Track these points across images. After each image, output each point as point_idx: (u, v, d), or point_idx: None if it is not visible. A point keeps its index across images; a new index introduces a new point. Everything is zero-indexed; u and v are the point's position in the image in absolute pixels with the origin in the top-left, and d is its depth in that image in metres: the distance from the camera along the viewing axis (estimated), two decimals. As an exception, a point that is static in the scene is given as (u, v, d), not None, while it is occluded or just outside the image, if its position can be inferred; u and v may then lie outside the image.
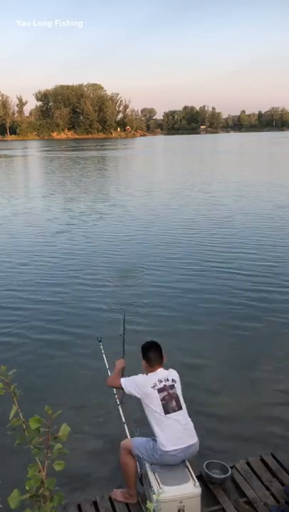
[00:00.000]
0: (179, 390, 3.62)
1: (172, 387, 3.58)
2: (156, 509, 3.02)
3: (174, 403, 3.52)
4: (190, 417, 3.58)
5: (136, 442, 3.70)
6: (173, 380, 3.64)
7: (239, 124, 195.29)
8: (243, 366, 6.11)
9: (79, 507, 3.70)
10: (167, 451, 3.38)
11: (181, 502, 3.20)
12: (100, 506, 3.69)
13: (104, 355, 5.25)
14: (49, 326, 7.44)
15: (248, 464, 4.11)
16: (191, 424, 3.59)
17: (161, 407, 3.47)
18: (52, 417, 1.64)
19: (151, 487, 3.34)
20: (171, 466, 3.45)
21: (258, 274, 9.66)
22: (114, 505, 3.69)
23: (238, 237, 12.77)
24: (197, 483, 3.30)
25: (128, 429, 4.30)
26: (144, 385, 3.54)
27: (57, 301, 8.50)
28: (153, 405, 3.49)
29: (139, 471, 3.75)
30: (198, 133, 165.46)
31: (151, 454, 3.48)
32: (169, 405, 3.49)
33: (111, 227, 14.91)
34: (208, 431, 4.75)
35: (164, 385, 3.56)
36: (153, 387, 3.53)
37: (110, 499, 3.76)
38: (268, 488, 3.80)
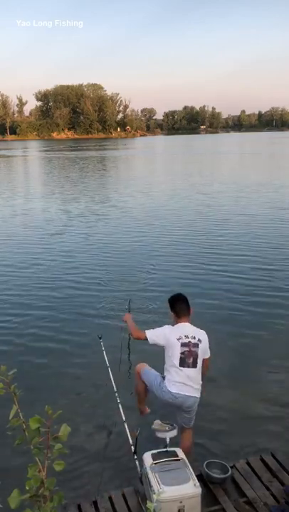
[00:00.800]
0: (201, 350, 3.87)
1: (196, 345, 3.85)
2: (156, 509, 3.02)
3: (191, 360, 3.82)
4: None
5: (146, 370, 4.14)
6: (199, 340, 3.89)
7: (239, 124, 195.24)
8: (243, 366, 6.11)
9: (79, 507, 3.70)
10: (170, 391, 3.82)
11: (181, 502, 3.20)
12: (100, 506, 3.69)
13: (104, 353, 5.26)
14: (49, 325, 7.43)
15: (248, 463, 4.11)
16: (200, 383, 3.91)
17: (179, 359, 3.80)
18: (52, 417, 1.64)
19: (151, 487, 3.34)
20: (170, 467, 3.46)
21: (257, 278, 9.66)
22: (114, 505, 3.68)
23: (238, 240, 12.74)
24: (197, 483, 3.30)
25: (128, 429, 4.30)
26: (170, 335, 3.86)
27: (57, 300, 8.49)
28: (173, 355, 3.83)
29: (139, 470, 3.76)
30: (198, 133, 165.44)
31: (157, 387, 3.95)
32: (186, 360, 3.81)
33: (111, 228, 14.89)
34: (208, 430, 4.76)
35: (189, 341, 3.84)
36: (178, 339, 3.84)
37: (110, 499, 3.76)
38: (268, 488, 3.80)
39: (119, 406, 4.69)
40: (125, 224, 15.28)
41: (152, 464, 3.48)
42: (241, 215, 16.03)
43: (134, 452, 3.97)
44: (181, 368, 3.82)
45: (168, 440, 3.74)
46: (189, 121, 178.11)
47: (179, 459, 3.53)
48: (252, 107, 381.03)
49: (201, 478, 3.77)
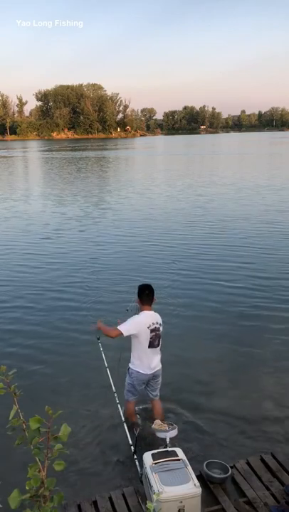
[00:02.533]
0: (161, 331, 4.59)
1: (159, 329, 4.56)
2: (157, 509, 3.02)
3: (156, 341, 4.54)
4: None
5: (125, 391, 4.74)
6: (159, 324, 4.57)
7: (239, 124, 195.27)
8: (243, 367, 6.11)
9: (79, 507, 3.70)
10: (141, 373, 4.55)
11: (181, 502, 3.20)
12: (100, 506, 3.69)
13: (102, 354, 5.25)
14: (48, 326, 7.44)
15: (248, 463, 4.11)
16: (159, 356, 4.66)
17: (148, 343, 4.48)
18: (52, 417, 1.64)
19: (151, 487, 3.34)
20: (170, 467, 3.46)
21: (258, 280, 9.66)
22: (114, 505, 3.69)
23: (237, 244, 12.74)
24: (197, 483, 3.30)
25: (128, 428, 4.30)
26: (143, 325, 4.45)
27: (56, 301, 8.50)
28: (143, 340, 4.46)
29: (139, 470, 3.76)
30: (198, 133, 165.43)
31: (131, 380, 4.60)
32: (153, 343, 4.51)
33: (111, 229, 14.90)
34: (208, 431, 4.76)
35: (155, 327, 4.52)
36: (148, 327, 4.46)
37: (110, 499, 3.76)
38: (268, 488, 3.80)
39: (119, 406, 4.70)
40: (125, 225, 15.27)
41: (152, 464, 3.48)
42: (241, 219, 16.01)
43: (134, 452, 3.98)
44: (150, 349, 4.50)
45: (168, 440, 3.74)
46: (189, 121, 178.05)
47: (179, 459, 3.53)
48: (252, 107, 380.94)
49: (201, 478, 3.77)
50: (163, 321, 4.74)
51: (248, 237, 12.88)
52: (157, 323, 4.54)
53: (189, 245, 12.23)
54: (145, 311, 4.55)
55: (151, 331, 4.46)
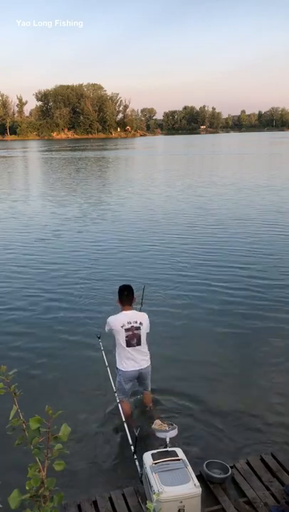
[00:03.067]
0: (143, 331, 4.69)
1: (138, 328, 4.66)
2: (157, 509, 3.02)
3: (135, 341, 4.65)
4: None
5: (116, 389, 4.86)
6: (140, 323, 4.68)
7: (239, 124, 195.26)
8: (243, 367, 6.11)
9: (79, 507, 3.70)
10: (124, 371, 4.68)
11: (181, 502, 3.20)
12: (100, 506, 3.69)
13: (103, 352, 5.26)
14: (48, 325, 7.44)
15: (248, 463, 4.11)
16: (147, 354, 4.75)
17: (125, 342, 4.63)
18: (52, 417, 1.64)
19: (151, 487, 3.34)
20: (170, 467, 3.46)
21: (257, 281, 9.66)
22: (114, 505, 3.68)
23: (236, 244, 12.74)
24: (197, 483, 3.30)
25: (128, 428, 4.30)
26: (115, 324, 4.65)
27: (55, 300, 8.50)
28: (120, 339, 4.63)
29: (139, 470, 3.76)
30: (198, 133, 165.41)
31: (119, 377, 4.74)
32: (130, 342, 4.63)
33: (112, 230, 14.90)
34: (208, 431, 4.76)
35: (132, 326, 4.63)
36: (122, 326, 4.62)
37: (110, 499, 3.75)
38: (268, 488, 3.80)
39: (119, 406, 4.70)
40: (125, 226, 15.26)
41: (152, 463, 3.48)
42: (240, 219, 16.02)
43: (134, 452, 3.98)
44: (128, 349, 4.64)
45: (168, 440, 3.74)
46: (189, 121, 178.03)
47: (179, 459, 3.53)
48: (252, 107, 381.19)
49: (201, 478, 3.77)
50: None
51: (248, 237, 12.88)
52: (135, 323, 4.65)
53: (189, 246, 12.22)
54: (124, 311, 4.73)
55: (126, 330, 4.63)
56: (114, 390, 4.90)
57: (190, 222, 15.30)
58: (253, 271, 9.90)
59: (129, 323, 4.65)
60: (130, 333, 4.63)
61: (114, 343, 5.05)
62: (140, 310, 5.05)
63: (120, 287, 4.84)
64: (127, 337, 4.63)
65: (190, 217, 16.12)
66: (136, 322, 4.67)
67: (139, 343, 4.68)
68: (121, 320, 4.67)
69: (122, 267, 10.54)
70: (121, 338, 4.64)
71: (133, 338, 4.65)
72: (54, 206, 19.30)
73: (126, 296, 4.75)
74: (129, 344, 4.64)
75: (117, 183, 27.90)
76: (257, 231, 13.59)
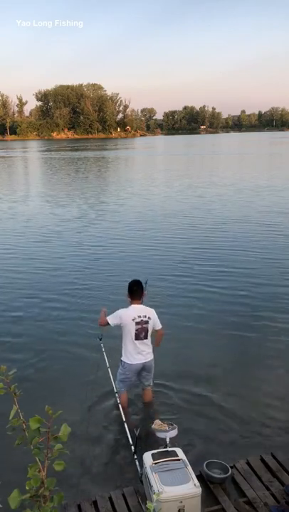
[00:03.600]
0: (150, 325, 4.87)
1: (146, 322, 4.84)
2: (157, 509, 3.02)
3: (143, 334, 4.83)
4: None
5: (117, 381, 5.01)
6: (148, 318, 4.85)
7: (239, 124, 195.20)
8: (243, 367, 6.11)
9: (79, 507, 3.70)
10: (130, 364, 4.84)
11: (181, 502, 3.20)
12: (100, 506, 3.69)
13: (104, 353, 5.26)
14: (49, 326, 7.44)
15: (248, 463, 4.11)
16: (151, 349, 4.94)
17: (134, 335, 4.79)
18: (52, 417, 1.64)
19: (151, 487, 3.34)
20: (170, 467, 3.46)
21: (257, 282, 9.66)
22: (114, 505, 3.68)
23: (237, 245, 12.73)
24: (197, 483, 3.30)
25: (128, 428, 4.30)
26: (126, 318, 4.80)
27: (56, 301, 8.50)
28: (129, 332, 4.80)
29: (139, 470, 3.76)
30: (198, 133, 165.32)
31: (123, 370, 4.88)
32: (139, 335, 4.81)
33: (113, 230, 14.89)
34: (208, 431, 4.76)
35: (141, 320, 4.82)
36: (133, 320, 4.80)
37: (110, 499, 3.75)
38: (268, 488, 3.80)
39: (120, 406, 4.70)
40: (124, 227, 15.26)
41: (152, 463, 3.48)
42: (240, 220, 16.01)
43: (134, 452, 3.98)
44: (136, 341, 4.81)
45: (168, 440, 3.74)
46: (189, 121, 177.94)
47: (179, 459, 3.53)
48: (252, 107, 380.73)
49: (201, 478, 3.77)
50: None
51: (249, 237, 12.89)
52: (145, 317, 4.83)
53: (189, 248, 12.23)
54: (133, 305, 4.90)
55: (136, 323, 4.79)
56: (116, 391, 4.91)
57: (189, 222, 15.31)
58: (255, 271, 9.90)
59: (140, 317, 4.82)
60: (140, 326, 4.80)
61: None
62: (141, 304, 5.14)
63: (130, 282, 4.99)
64: (136, 330, 4.79)
65: (190, 217, 16.12)
66: (145, 316, 4.84)
67: (146, 337, 4.86)
68: (131, 314, 4.82)
69: (122, 266, 10.53)
70: (130, 331, 4.80)
71: (142, 332, 4.81)
72: (53, 207, 19.31)
73: (135, 291, 4.90)
74: (137, 337, 4.81)
75: (117, 184, 27.88)
76: (257, 231, 13.60)
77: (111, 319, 4.88)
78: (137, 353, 4.84)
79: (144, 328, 4.83)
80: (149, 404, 5.13)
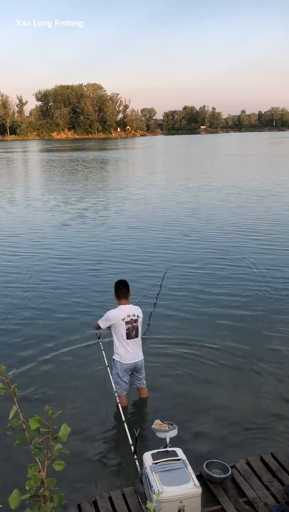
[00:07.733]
0: (140, 324, 4.96)
1: (136, 321, 4.92)
2: (157, 509, 3.02)
3: (134, 333, 4.92)
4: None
5: (113, 383, 4.96)
6: (138, 316, 4.94)
7: (239, 124, 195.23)
8: (243, 367, 6.10)
9: (79, 507, 3.70)
10: (122, 363, 4.89)
11: (181, 502, 3.20)
12: (100, 506, 3.69)
13: (103, 352, 5.26)
14: (48, 325, 7.44)
15: (248, 463, 4.11)
16: (141, 348, 5.04)
17: (125, 334, 4.87)
18: (52, 417, 1.64)
19: (151, 487, 3.34)
20: (170, 467, 3.46)
21: (257, 281, 9.66)
22: (114, 505, 3.68)
23: (236, 245, 12.73)
24: (197, 483, 3.30)
25: (128, 428, 4.30)
26: (117, 318, 4.87)
27: (55, 300, 8.50)
28: (120, 332, 4.87)
29: (139, 470, 3.76)
30: (198, 133, 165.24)
31: (116, 370, 4.93)
32: (130, 334, 4.89)
33: (115, 231, 14.89)
34: (208, 431, 4.76)
35: (131, 319, 4.89)
36: (123, 319, 4.86)
37: (110, 499, 3.75)
38: (268, 488, 3.80)
39: (119, 406, 4.70)
40: (123, 227, 15.26)
41: (152, 463, 3.48)
42: (240, 220, 16.01)
43: (134, 452, 3.98)
44: (128, 340, 4.88)
45: (168, 440, 3.74)
46: (189, 121, 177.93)
47: (179, 459, 3.53)
48: (252, 107, 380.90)
49: (201, 478, 3.76)
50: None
51: (251, 237, 12.89)
52: (134, 316, 4.91)
53: (189, 249, 12.23)
54: (121, 305, 4.97)
55: (126, 323, 4.86)
56: (115, 390, 4.91)
57: (190, 223, 15.31)
58: (257, 270, 9.90)
59: (129, 316, 4.88)
60: (130, 325, 4.87)
61: (114, 342, 5.06)
62: (159, 293, 5.44)
63: (116, 282, 5.05)
64: (127, 329, 4.86)
65: (190, 218, 16.11)
66: (134, 315, 4.92)
67: (137, 335, 4.94)
68: (121, 313, 4.89)
69: (123, 267, 10.54)
70: (121, 330, 4.86)
71: (132, 331, 4.89)
72: (53, 207, 19.28)
73: (121, 291, 4.98)
74: (129, 336, 4.88)
75: (116, 184, 27.87)
76: (258, 230, 13.60)
77: (102, 323, 4.97)
78: (129, 353, 4.91)
79: (135, 326, 4.90)
80: (148, 404, 5.14)
